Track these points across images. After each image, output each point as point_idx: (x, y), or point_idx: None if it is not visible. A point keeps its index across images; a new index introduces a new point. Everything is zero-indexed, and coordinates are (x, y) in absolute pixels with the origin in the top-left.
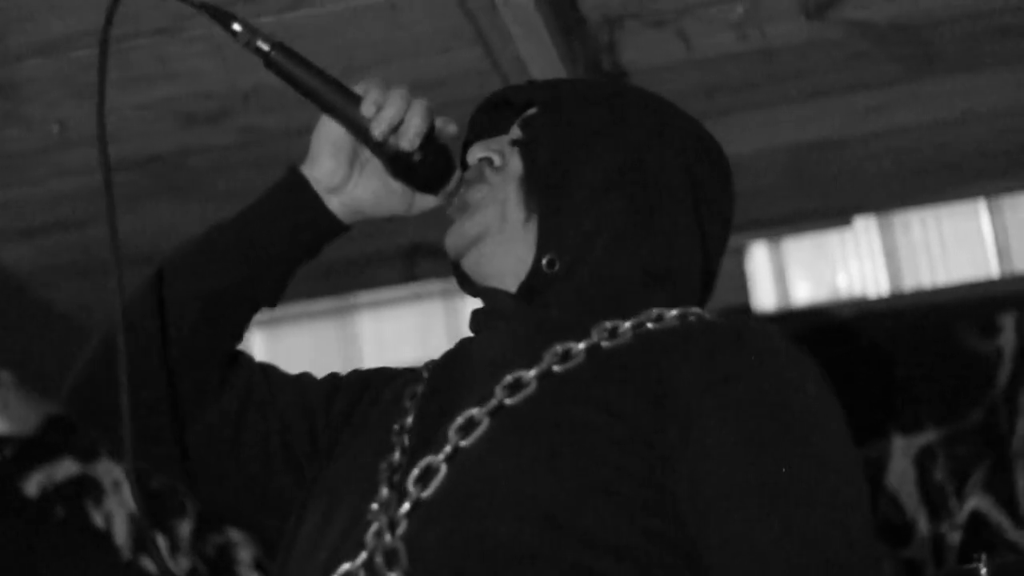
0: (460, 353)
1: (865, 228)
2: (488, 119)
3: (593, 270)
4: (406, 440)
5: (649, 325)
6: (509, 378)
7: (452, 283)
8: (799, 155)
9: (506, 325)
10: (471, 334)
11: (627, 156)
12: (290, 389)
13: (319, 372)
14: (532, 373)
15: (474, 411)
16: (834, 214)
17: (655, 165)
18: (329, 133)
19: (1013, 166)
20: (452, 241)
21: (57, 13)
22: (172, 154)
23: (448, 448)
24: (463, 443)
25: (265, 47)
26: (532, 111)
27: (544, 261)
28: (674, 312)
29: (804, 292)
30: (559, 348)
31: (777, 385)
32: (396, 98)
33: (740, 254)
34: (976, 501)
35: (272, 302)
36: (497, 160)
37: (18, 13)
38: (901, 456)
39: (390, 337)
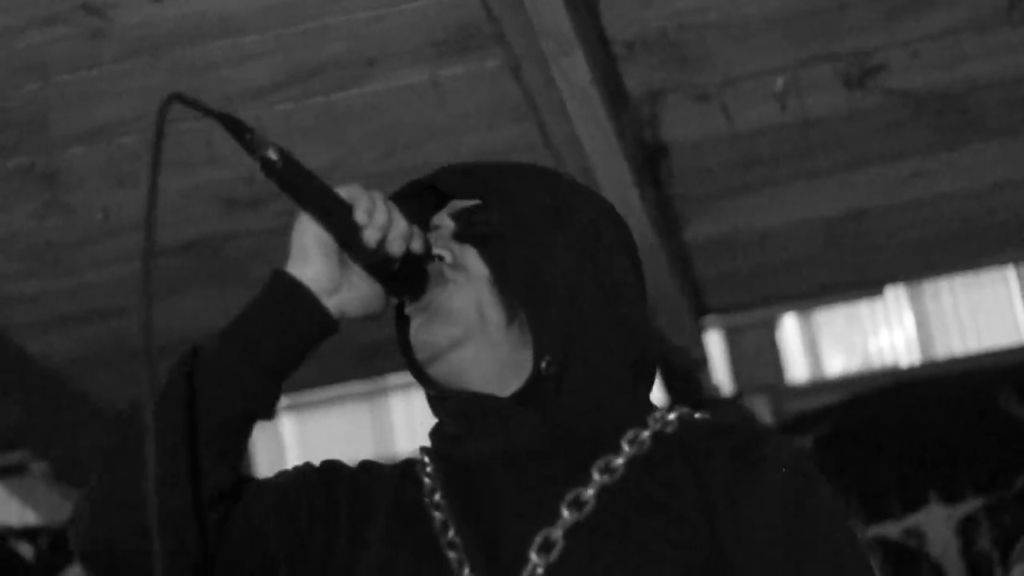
0: (470, 459)
1: (896, 297)
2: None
3: (585, 371)
4: (464, 558)
5: (667, 430)
6: (570, 496)
7: (376, 384)
8: (833, 227)
9: (511, 432)
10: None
11: (584, 247)
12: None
13: (352, 456)
14: (590, 492)
15: (549, 531)
16: (866, 285)
17: (607, 253)
18: (317, 235)
19: None
20: (427, 345)
21: (101, 101)
22: (212, 239)
23: (533, 569)
24: (544, 564)
25: (274, 156)
26: (469, 203)
27: (543, 364)
28: (673, 415)
29: (837, 363)
30: (601, 462)
31: (804, 490)
32: (382, 205)
33: (771, 327)
34: (1021, 569)
35: (272, 415)
36: (448, 256)
37: (61, 101)
38: (943, 526)
39: (423, 419)
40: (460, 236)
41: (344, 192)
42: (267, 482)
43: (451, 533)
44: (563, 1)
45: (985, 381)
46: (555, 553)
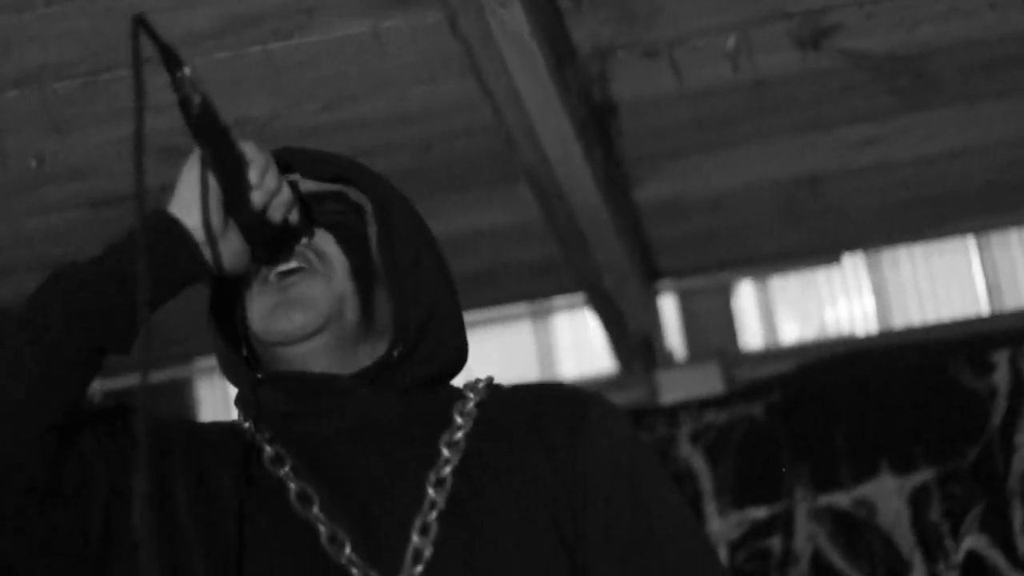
0: (310, 434)
1: (853, 266)
2: None
3: (429, 356)
4: (340, 535)
5: (483, 398)
6: (433, 476)
7: (541, 304)
8: (788, 191)
9: (352, 409)
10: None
11: (424, 234)
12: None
13: (515, 375)
14: (447, 469)
15: (424, 515)
16: (823, 252)
17: (434, 240)
18: (203, 184)
19: (1003, 202)
20: (284, 328)
21: (33, 45)
22: (153, 189)
23: (415, 550)
24: (424, 545)
25: (196, 100)
26: (318, 187)
27: (395, 352)
28: (481, 384)
29: (792, 331)
30: (446, 437)
31: (633, 437)
32: (274, 169)
33: (727, 293)
34: (972, 541)
35: (127, 351)
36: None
37: None
38: (895, 496)
39: (588, 340)
40: (320, 220)
41: (245, 147)
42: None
43: (315, 508)
44: None
45: (939, 351)
46: (432, 535)
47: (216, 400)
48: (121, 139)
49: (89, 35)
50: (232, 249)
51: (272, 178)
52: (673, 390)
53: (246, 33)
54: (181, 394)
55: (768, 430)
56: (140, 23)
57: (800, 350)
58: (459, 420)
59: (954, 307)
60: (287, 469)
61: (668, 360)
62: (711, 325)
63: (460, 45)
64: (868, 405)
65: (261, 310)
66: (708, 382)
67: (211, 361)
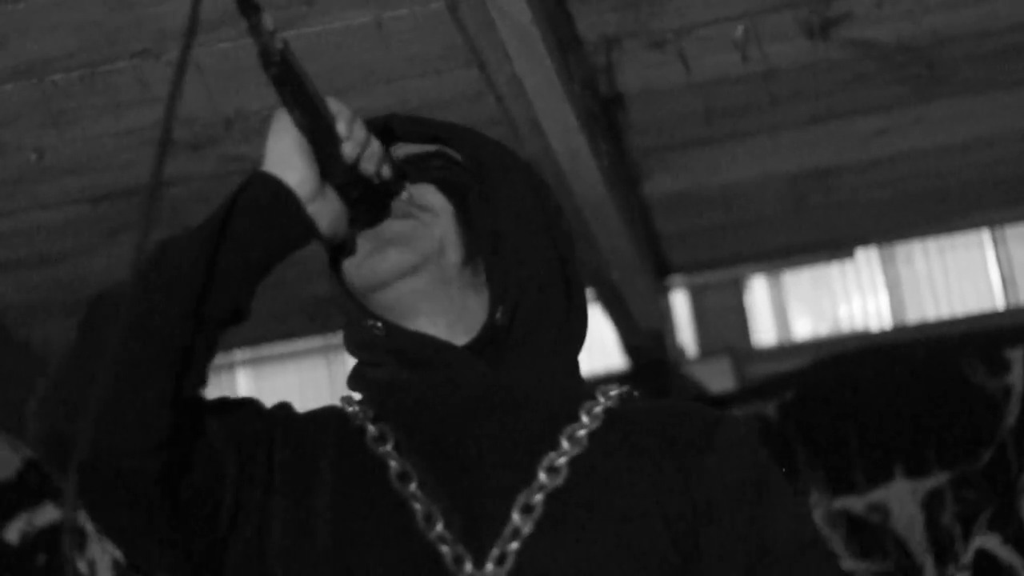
0: (418, 409)
1: (867, 260)
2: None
3: (537, 330)
4: (434, 512)
5: (614, 405)
6: (546, 461)
7: (333, 339)
8: (800, 183)
9: (469, 383)
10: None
11: (542, 207)
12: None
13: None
14: (562, 460)
15: (528, 494)
16: (836, 246)
17: (559, 218)
18: (297, 140)
19: (1018, 195)
20: (379, 268)
21: (30, 36)
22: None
23: (515, 530)
24: (526, 526)
25: (279, 45)
26: (420, 149)
27: (498, 314)
28: (615, 392)
29: (805, 326)
30: (568, 431)
31: (764, 463)
32: (361, 122)
33: (739, 287)
34: (982, 540)
35: (245, 318)
36: (406, 195)
37: None
38: (909, 500)
39: (269, 395)
40: (421, 176)
41: (331, 105)
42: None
43: (413, 486)
44: None
45: (953, 348)
46: (536, 515)
47: (259, 391)
48: (119, 133)
49: (87, 26)
50: (331, 208)
51: (360, 129)
52: (684, 387)
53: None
54: (220, 383)
55: (781, 430)
56: None
57: (813, 346)
58: (585, 419)
59: (969, 302)
60: (389, 447)
61: (679, 356)
62: (723, 321)
63: (461, 34)
64: (882, 406)
65: (356, 259)
66: (720, 379)
67: (251, 352)
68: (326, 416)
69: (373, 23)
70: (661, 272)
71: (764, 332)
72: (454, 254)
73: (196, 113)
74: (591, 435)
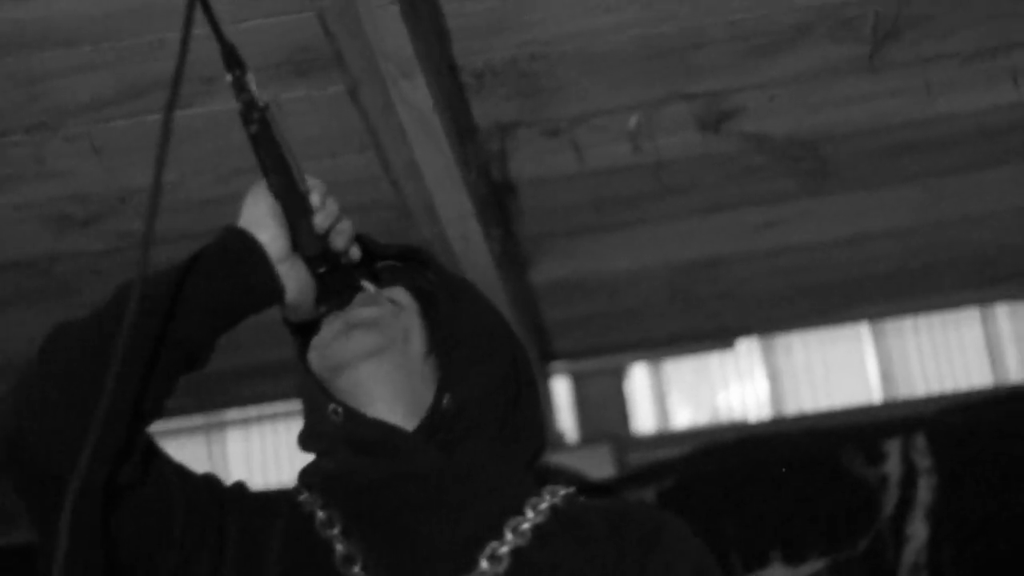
0: (367, 493)
1: (747, 350)
2: None
3: (484, 427)
4: None
5: (559, 504)
6: (488, 549)
7: None
8: (684, 273)
9: (418, 468)
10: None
11: (502, 331)
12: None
13: None
14: (505, 549)
15: None
16: (717, 336)
17: (519, 348)
18: (271, 207)
19: (899, 290)
20: (346, 349)
21: None
22: (42, 258)
23: None
24: None
25: (261, 103)
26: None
27: (445, 399)
28: (563, 492)
29: (685, 415)
30: (512, 523)
31: (707, 563)
32: (334, 200)
33: (620, 376)
34: None
35: (203, 366)
36: (372, 288)
37: None
38: None
39: (259, 456)
40: (392, 279)
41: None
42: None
43: (357, 568)
44: (405, 23)
45: (831, 439)
46: None
47: (248, 452)
48: (10, 206)
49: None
50: (299, 275)
51: (333, 204)
52: (564, 473)
53: (144, 100)
54: (211, 443)
55: None
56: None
57: (693, 435)
58: (530, 513)
59: (848, 394)
60: (336, 531)
61: (559, 442)
62: (604, 408)
63: (361, 117)
64: (760, 494)
65: (324, 338)
66: (600, 466)
67: (242, 412)
68: (278, 498)
69: (271, 103)
70: (544, 358)
71: (644, 420)
72: (418, 343)
73: (89, 189)
74: (535, 528)
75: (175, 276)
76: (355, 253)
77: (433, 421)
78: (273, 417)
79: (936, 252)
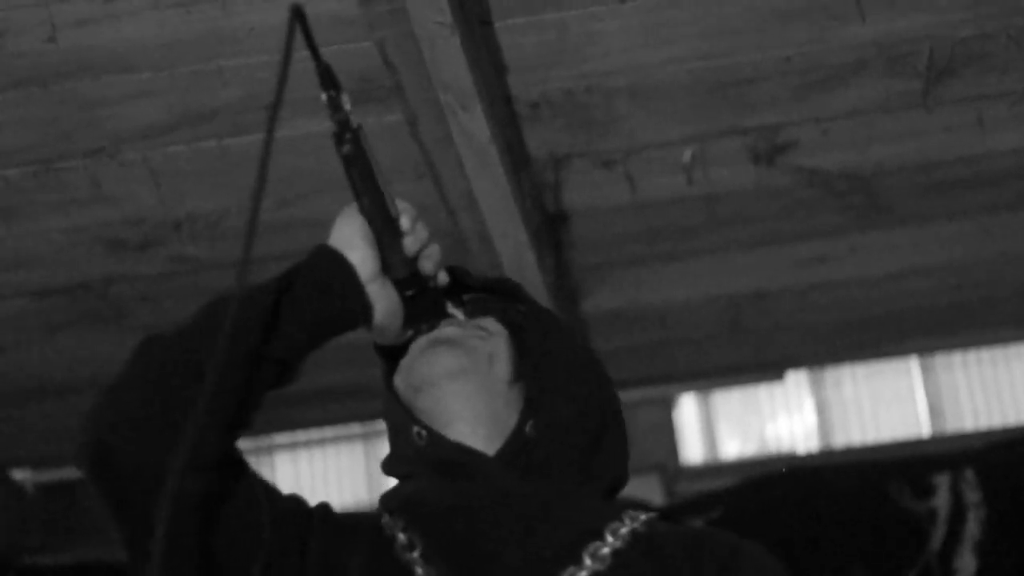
0: (447, 517)
1: (796, 383)
2: None
3: (566, 455)
4: None
5: (640, 529)
6: (567, 574)
7: (371, 426)
8: (736, 306)
9: (496, 493)
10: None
11: (589, 364)
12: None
13: (344, 498)
14: (584, 574)
15: None
16: (766, 368)
17: (609, 386)
18: (361, 228)
19: (948, 325)
20: (431, 366)
21: None
22: (97, 281)
23: None
24: None
25: (355, 123)
26: (490, 297)
27: (527, 426)
28: (644, 516)
29: (733, 446)
30: (591, 547)
31: None
32: (423, 225)
33: (669, 406)
34: None
35: (293, 381)
36: (461, 315)
37: None
38: None
39: (307, 480)
40: (482, 310)
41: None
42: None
43: None
44: (464, 55)
45: (879, 472)
46: None
47: (296, 475)
48: (68, 229)
49: (40, 123)
50: (387, 297)
51: (423, 229)
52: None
53: (202, 127)
54: (259, 466)
55: None
56: (298, 16)
57: (741, 466)
58: (610, 538)
59: (896, 428)
60: (416, 554)
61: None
62: (652, 438)
63: (418, 147)
64: (808, 524)
65: (409, 359)
66: (648, 495)
67: (290, 436)
68: (361, 521)
69: (328, 132)
70: None
71: (693, 450)
72: (503, 369)
73: (145, 214)
74: (614, 553)
75: (270, 292)
76: (443, 278)
77: (514, 447)
78: (321, 442)
79: (985, 288)
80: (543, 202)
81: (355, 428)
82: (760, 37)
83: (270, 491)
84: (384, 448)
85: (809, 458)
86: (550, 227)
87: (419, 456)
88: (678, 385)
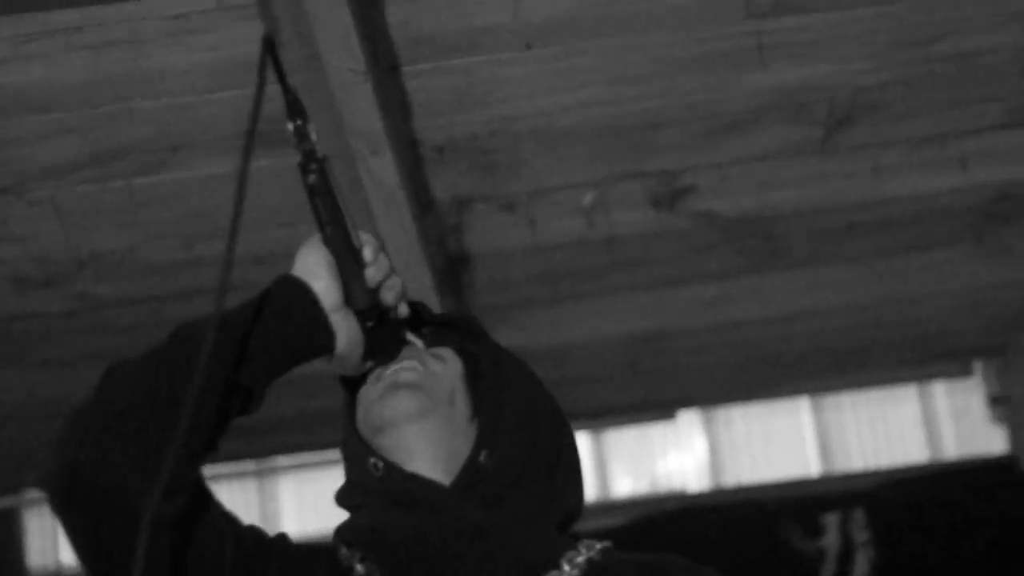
0: (404, 550)
1: (688, 422)
2: None
3: (522, 485)
4: None
5: (596, 557)
6: None
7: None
8: (633, 346)
9: (455, 523)
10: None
11: (543, 398)
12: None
13: None
14: None
15: None
16: (659, 407)
17: (558, 411)
18: (324, 257)
19: (839, 366)
20: (392, 411)
21: None
22: (1, 319)
23: None
24: None
25: (321, 153)
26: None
27: (481, 456)
28: (599, 545)
29: (625, 484)
30: None
31: None
32: (386, 256)
33: None
34: None
35: (255, 410)
36: (421, 344)
37: None
38: None
39: (310, 501)
40: (440, 341)
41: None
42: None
43: None
44: (376, 101)
45: (770, 512)
46: None
47: (300, 496)
48: None
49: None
50: (349, 327)
51: (384, 260)
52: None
53: (111, 166)
54: (9, 524)
55: None
56: (269, 46)
57: (632, 504)
58: (566, 567)
59: (786, 467)
60: None
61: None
62: None
63: None
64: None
65: (369, 398)
66: None
67: (294, 458)
68: (318, 552)
69: (234, 172)
70: None
71: (585, 488)
72: (463, 405)
73: (50, 251)
74: None
75: (241, 321)
76: (404, 310)
77: (469, 477)
78: (324, 464)
79: (876, 330)
80: (446, 245)
81: (248, 465)
82: (663, 84)
83: (231, 519)
84: (278, 487)
85: (700, 497)
86: (452, 269)
87: (375, 487)
88: (572, 424)
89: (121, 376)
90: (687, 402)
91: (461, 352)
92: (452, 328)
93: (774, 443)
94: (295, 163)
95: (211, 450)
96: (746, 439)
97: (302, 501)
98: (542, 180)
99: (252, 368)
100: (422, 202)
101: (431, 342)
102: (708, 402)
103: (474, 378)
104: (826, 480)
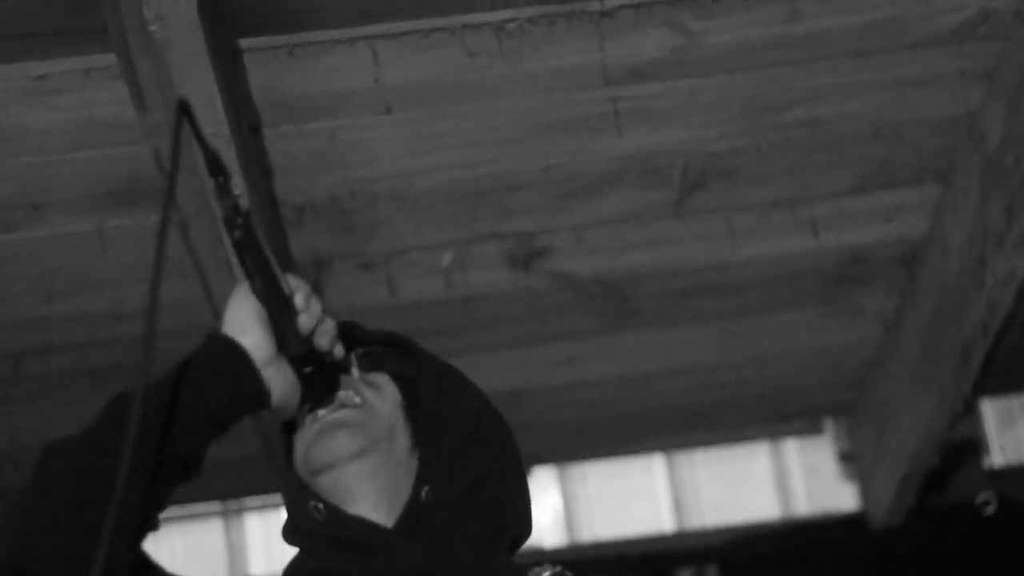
0: None
1: (542, 477)
2: None
3: (466, 519)
4: None
5: None
6: None
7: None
8: None
9: (398, 565)
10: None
11: (483, 417)
12: None
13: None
14: None
15: None
16: None
17: (506, 437)
18: (254, 309)
19: (692, 423)
20: (329, 450)
21: None
22: None
23: None
24: None
25: (244, 207)
26: (396, 349)
27: (423, 492)
28: (548, 571)
29: None
30: None
31: None
32: (317, 300)
33: None
34: None
35: (197, 475)
36: (357, 373)
37: None
38: None
39: (277, 541)
40: (376, 366)
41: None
42: None
43: None
44: (238, 164)
45: (623, 568)
46: None
47: (267, 536)
48: None
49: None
50: (284, 378)
51: (316, 304)
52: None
53: None
54: (230, 528)
55: None
56: (184, 109)
57: None
58: None
59: (640, 523)
60: None
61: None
62: None
63: (188, 251)
64: None
65: (306, 440)
66: None
67: (261, 499)
68: None
69: (95, 231)
70: None
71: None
72: (402, 439)
73: None
74: None
75: (166, 388)
76: (339, 352)
77: (412, 516)
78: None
79: (728, 388)
80: None
81: (215, 505)
82: (521, 148)
83: None
84: (244, 527)
85: (555, 552)
86: None
87: (318, 531)
88: None
89: (56, 461)
90: (543, 459)
91: (398, 378)
92: (387, 345)
93: (628, 499)
94: (153, 221)
95: (153, 526)
96: (600, 495)
97: (269, 542)
98: (401, 240)
99: (186, 434)
100: (282, 262)
101: (366, 365)
102: (564, 458)
103: (412, 405)
104: (680, 536)
